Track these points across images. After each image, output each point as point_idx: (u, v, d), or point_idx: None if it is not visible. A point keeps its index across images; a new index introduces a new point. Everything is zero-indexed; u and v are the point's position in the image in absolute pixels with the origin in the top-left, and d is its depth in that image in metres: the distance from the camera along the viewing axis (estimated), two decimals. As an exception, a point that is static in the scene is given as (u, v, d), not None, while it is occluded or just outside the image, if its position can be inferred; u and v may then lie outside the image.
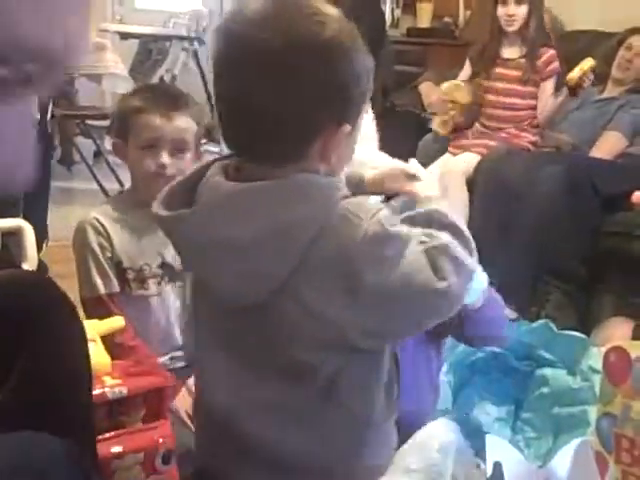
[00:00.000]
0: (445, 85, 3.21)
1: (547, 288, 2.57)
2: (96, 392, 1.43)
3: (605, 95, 3.19)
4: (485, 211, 2.80)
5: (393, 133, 2.93)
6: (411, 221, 1.01)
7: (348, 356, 1.00)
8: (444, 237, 1.00)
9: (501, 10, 3.05)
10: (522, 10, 3.03)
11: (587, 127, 3.09)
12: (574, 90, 3.03)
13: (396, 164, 1.29)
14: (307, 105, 0.97)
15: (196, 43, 5.21)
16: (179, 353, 1.94)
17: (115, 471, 1.47)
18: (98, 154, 4.42)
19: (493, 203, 2.79)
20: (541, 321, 1.87)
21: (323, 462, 1.04)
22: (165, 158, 1.81)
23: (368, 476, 1.07)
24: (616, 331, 2.18)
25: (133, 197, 1.92)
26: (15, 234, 1.75)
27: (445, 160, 3.10)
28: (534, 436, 1.74)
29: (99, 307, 1.81)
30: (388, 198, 1.25)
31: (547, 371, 1.79)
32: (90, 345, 1.39)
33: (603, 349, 1.48)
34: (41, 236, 1.74)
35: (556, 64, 3.07)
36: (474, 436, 1.65)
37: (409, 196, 1.14)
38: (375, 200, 1.23)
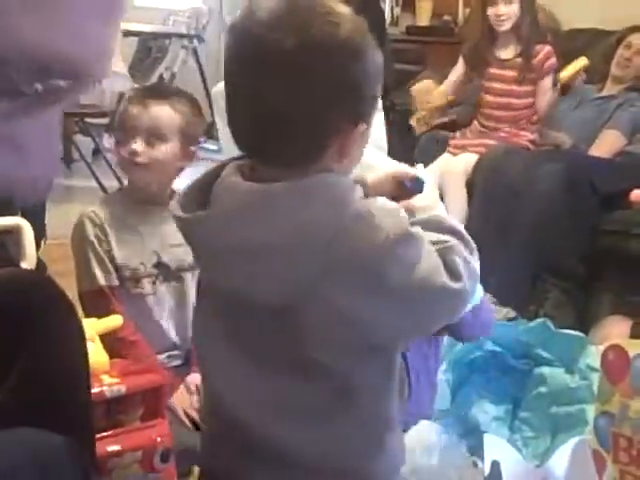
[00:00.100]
0: (416, 86, 3.23)
1: (546, 286, 2.57)
2: (94, 390, 1.43)
3: (604, 93, 3.19)
4: (484, 209, 2.80)
5: (392, 132, 2.95)
6: (411, 225, 1.02)
7: (365, 356, 1.01)
8: (450, 239, 1.01)
9: (490, 10, 3.04)
10: (512, 9, 3.01)
11: (586, 125, 3.10)
12: (564, 88, 3.04)
13: (400, 168, 1.29)
14: (322, 105, 0.96)
15: (196, 41, 5.20)
16: (176, 352, 1.94)
17: (113, 469, 1.47)
18: (97, 152, 4.41)
19: (492, 201, 2.80)
20: (539, 320, 1.88)
21: (337, 463, 1.03)
22: (136, 145, 1.81)
23: (382, 476, 1.07)
24: (614, 329, 2.19)
25: (130, 195, 1.92)
26: (13, 232, 1.74)
27: (445, 160, 3.10)
28: (532, 435, 1.74)
29: (99, 299, 1.81)
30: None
31: (545, 370, 1.79)
32: (88, 344, 1.39)
33: (601, 347, 1.49)
34: (39, 234, 1.74)
35: (553, 60, 3.06)
36: (472, 435, 1.66)
37: (405, 207, 1.14)
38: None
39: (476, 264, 1.02)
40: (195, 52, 5.21)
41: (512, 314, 2.41)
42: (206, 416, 1.14)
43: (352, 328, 0.97)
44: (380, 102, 1.35)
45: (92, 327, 1.59)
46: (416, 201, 1.18)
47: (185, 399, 1.84)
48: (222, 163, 1.05)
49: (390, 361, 1.05)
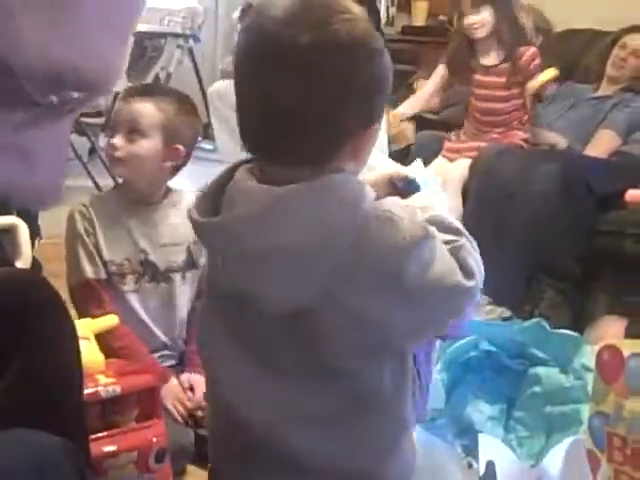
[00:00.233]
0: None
1: (541, 286, 2.57)
2: (90, 391, 1.43)
3: (599, 93, 3.20)
4: (479, 210, 2.80)
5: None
6: None
7: (380, 357, 1.00)
8: (456, 237, 1.02)
9: (464, 21, 3.04)
10: (484, 16, 2.99)
11: (581, 125, 3.10)
12: (537, 96, 3.04)
13: (396, 169, 1.28)
14: (336, 104, 0.95)
15: (191, 40, 5.19)
16: (167, 352, 1.94)
17: (109, 470, 1.47)
18: (93, 151, 4.40)
19: (487, 202, 2.79)
20: (534, 320, 1.88)
21: (352, 466, 1.02)
22: (116, 139, 1.83)
23: (403, 478, 1.07)
24: (609, 329, 2.19)
25: (123, 194, 1.93)
26: (9, 232, 1.74)
27: (441, 166, 3.08)
28: (526, 435, 1.74)
29: (87, 292, 1.82)
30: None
31: (540, 370, 1.79)
32: (84, 343, 1.39)
33: (596, 347, 1.49)
34: (33, 234, 1.74)
35: (538, 61, 3.04)
36: (467, 435, 1.66)
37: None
38: None
39: (480, 261, 1.03)
40: (191, 52, 5.20)
41: (507, 314, 2.41)
42: (213, 418, 1.12)
43: (368, 329, 0.96)
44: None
45: (87, 327, 1.59)
46: (414, 201, 1.18)
47: (175, 392, 1.85)
48: (234, 165, 1.04)
49: (403, 361, 1.05)
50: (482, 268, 1.02)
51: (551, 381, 1.76)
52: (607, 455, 1.38)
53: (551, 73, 3.02)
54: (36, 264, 1.80)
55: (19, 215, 1.65)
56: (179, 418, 1.81)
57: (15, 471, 1.00)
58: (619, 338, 1.96)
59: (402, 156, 3.01)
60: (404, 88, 3.60)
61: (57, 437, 1.07)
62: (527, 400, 1.77)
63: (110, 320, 1.70)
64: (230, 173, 1.02)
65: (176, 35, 5.10)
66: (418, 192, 1.24)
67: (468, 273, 0.98)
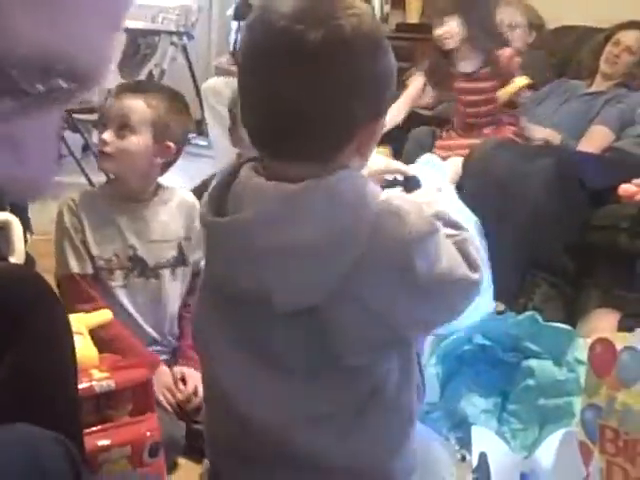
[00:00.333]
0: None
1: (535, 280, 2.57)
2: (84, 385, 1.44)
3: (593, 89, 3.20)
4: (473, 205, 2.80)
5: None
6: None
7: (388, 351, 1.01)
8: (459, 232, 1.04)
9: (434, 32, 3.02)
10: (450, 27, 2.97)
11: (575, 121, 3.10)
12: (509, 104, 3.04)
13: (394, 167, 1.28)
14: (345, 98, 0.95)
15: (185, 38, 5.19)
16: (158, 347, 1.95)
17: (103, 464, 1.47)
18: (86, 148, 4.40)
19: (480, 198, 2.79)
20: (527, 313, 1.88)
21: (362, 462, 1.02)
22: (106, 135, 1.84)
23: (406, 474, 1.07)
24: (602, 322, 2.20)
25: (114, 190, 1.94)
26: (2, 228, 1.75)
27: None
28: (520, 427, 1.75)
29: (72, 286, 1.83)
30: None
31: (533, 362, 1.80)
32: (78, 338, 1.40)
33: (589, 340, 1.49)
34: (24, 228, 1.75)
35: (517, 59, 3.02)
36: (461, 428, 1.66)
37: None
38: None
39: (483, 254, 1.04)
40: (184, 49, 5.20)
41: (501, 307, 2.42)
42: (211, 415, 1.11)
43: (380, 323, 0.96)
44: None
45: (81, 322, 1.59)
46: (417, 197, 1.18)
47: (165, 381, 1.85)
48: (239, 163, 1.03)
49: (409, 355, 1.05)
50: (484, 261, 1.04)
51: (544, 374, 1.77)
52: (599, 447, 1.39)
53: (523, 81, 3.01)
54: (29, 259, 1.80)
55: (11, 210, 1.66)
56: (168, 407, 1.81)
57: (9, 466, 1.00)
58: (612, 331, 1.97)
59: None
60: (398, 85, 3.59)
61: (51, 432, 1.07)
62: (521, 393, 1.78)
63: (104, 315, 1.70)
64: (234, 171, 1.02)
65: (170, 32, 5.10)
66: (419, 188, 1.25)
67: (473, 266, 1.00)
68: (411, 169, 1.30)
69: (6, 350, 1.20)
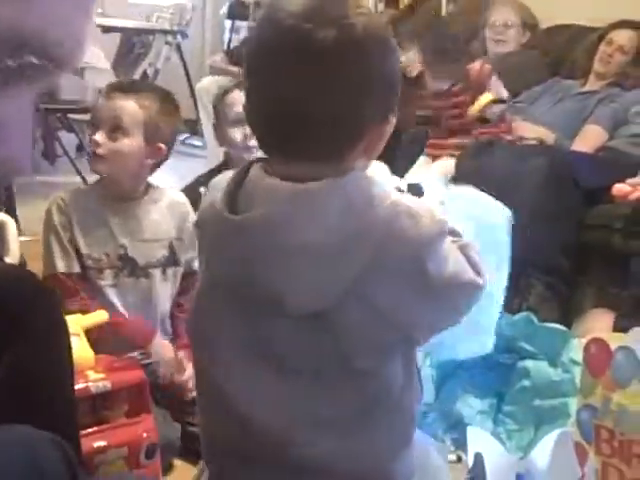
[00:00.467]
0: None
1: (530, 280, 2.57)
2: (80, 386, 1.43)
3: (586, 89, 3.21)
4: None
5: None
6: None
7: (393, 353, 1.01)
8: (459, 238, 1.03)
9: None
10: (409, 56, 2.95)
11: (568, 120, 3.10)
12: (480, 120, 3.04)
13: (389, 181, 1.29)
14: (356, 97, 0.94)
15: (179, 37, 5.19)
16: None
17: (99, 466, 1.47)
18: (81, 148, 4.39)
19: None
20: (522, 314, 1.88)
21: (365, 465, 1.02)
22: (97, 136, 1.83)
23: (406, 478, 1.07)
24: (597, 323, 2.20)
25: (104, 189, 1.93)
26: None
27: (425, 165, 3.06)
28: (515, 428, 1.75)
29: (57, 285, 1.81)
30: None
31: (529, 363, 1.80)
32: (74, 339, 1.39)
33: (584, 341, 1.50)
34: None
35: (487, 66, 2.99)
36: (456, 429, 1.66)
37: None
38: None
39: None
40: (179, 48, 5.20)
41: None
42: (211, 417, 1.09)
43: (387, 324, 0.96)
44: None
45: (77, 323, 1.59)
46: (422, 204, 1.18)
47: (165, 353, 1.85)
48: (249, 163, 1.01)
49: (412, 355, 1.05)
50: (507, 259, 1.04)
51: (540, 375, 1.77)
52: (595, 447, 1.39)
53: (487, 98, 3.00)
54: (21, 261, 1.80)
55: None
56: (162, 379, 1.81)
57: (7, 467, 1.00)
58: (607, 331, 1.97)
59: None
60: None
61: (48, 433, 1.06)
62: (516, 394, 1.78)
63: (100, 316, 1.70)
64: (244, 171, 1.01)
65: (164, 32, 5.10)
66: (422, 196, 1.25)
67: (477, 270, 1.00)
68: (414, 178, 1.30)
69: (4, 350, 1.20)
